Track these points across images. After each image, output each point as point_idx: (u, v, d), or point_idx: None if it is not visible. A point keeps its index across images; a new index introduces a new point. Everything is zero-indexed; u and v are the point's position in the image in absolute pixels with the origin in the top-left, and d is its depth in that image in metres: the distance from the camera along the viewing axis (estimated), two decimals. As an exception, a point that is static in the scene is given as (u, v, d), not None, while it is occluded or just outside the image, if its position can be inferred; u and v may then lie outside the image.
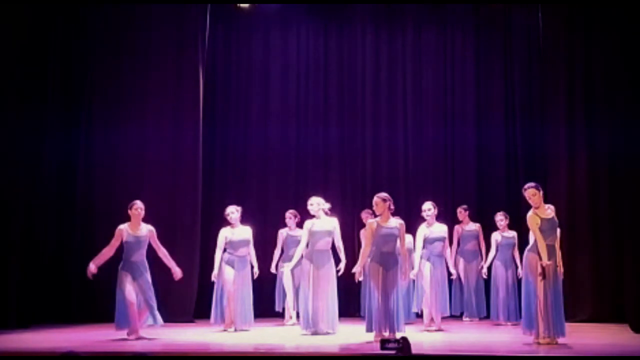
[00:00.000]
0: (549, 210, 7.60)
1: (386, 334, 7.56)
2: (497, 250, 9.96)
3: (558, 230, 7.68)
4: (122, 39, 10.74)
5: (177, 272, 8.48)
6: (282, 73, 11.98)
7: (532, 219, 7.48)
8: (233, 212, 9.22)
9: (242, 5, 11.70)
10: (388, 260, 7.79)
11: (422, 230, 9.13)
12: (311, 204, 8.76)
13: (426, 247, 9.08)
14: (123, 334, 8.11)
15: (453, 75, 11.96)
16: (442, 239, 9.18)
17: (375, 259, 7.80)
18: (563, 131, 10.53)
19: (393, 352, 6.18)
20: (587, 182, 10.34)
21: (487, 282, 10.23)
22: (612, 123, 10.14)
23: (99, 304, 9.91)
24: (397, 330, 7.67)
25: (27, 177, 9.74)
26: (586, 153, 10.38)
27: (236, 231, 9.19)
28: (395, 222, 7.94)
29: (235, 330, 8.95)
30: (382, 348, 6.28)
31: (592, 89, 10.45)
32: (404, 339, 6.28)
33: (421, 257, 9.05)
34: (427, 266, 9.00)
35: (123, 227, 8.25)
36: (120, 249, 8.25)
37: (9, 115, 9.55)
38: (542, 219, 7.45)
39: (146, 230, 8.28)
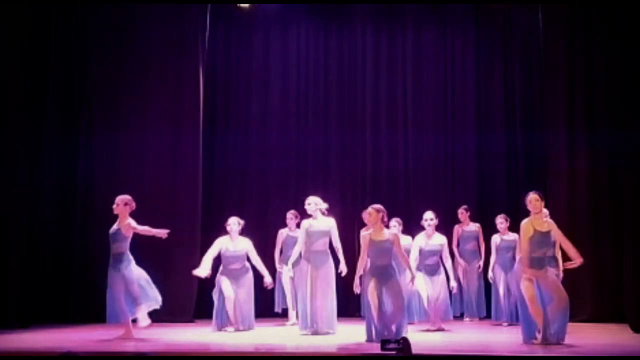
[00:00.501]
0: (546, 224, 7.52)
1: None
2: (497, 253, 9.93)
3: (557, 237, 7.63)
4: (122, 39, 10.74)
5: (162, 232, 8.41)
6: (282, 73, 11.99)
7: (525, 227, 7.40)
8: (235, 223, 9.21)
9: (242, 5, 11.70)
10: (382, 273, 7.68)
11: (419, 241, 9.07)
12: (309, 204, 8.72)
13: (420, 259, 9.03)
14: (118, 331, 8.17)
15: (453, 76, 11.96)
16: (437, 253, 9.11)
17: (370, 272, 7.73)
18: (563, 131, 10.53)
19: (393, 352, 6.18)
20: (588, 182, 10.34)
21: (487, 282, 10.21)
22: (612, 123, 10.13)
23: (99, 304, 9.89)
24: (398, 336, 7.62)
25: (27, 177, 9.74)
26: (586, 153, 10.38)
27: (231, 244, 9.19)
28: (389, 234, 7.83)
29: (236, 330, 8.95)
30: (383, 348, 6.29)
31: (592, 89, 10.44)
32: (404, 339, 6.29)
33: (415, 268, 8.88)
34: (419, 276, 8.86)
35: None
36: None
37: (9, 116, 9.56)
38: (535, 230, 7.37)
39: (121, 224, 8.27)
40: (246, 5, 11.71)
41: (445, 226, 10.21)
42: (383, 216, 7.81)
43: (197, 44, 10.80)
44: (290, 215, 9.95)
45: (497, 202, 11.15)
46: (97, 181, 10.50)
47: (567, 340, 7.37)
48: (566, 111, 10.54)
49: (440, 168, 11.82)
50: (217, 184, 11.64)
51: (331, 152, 11.88)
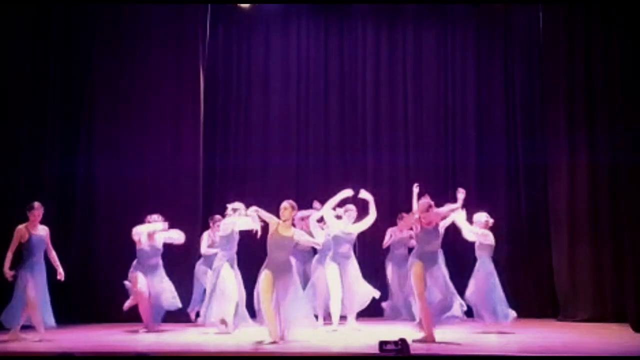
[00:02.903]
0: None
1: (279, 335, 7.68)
2: None
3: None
4: (123, 39, 10.74)
5: (61, 274, 8.51)
6: (282, 72, 11.99)
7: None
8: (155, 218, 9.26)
9: (242, 5, 11.70)
10: (280, 267, 7.86)
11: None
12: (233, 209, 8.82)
13: (334, 247, 9.07)
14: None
15: (453, 75, 11.95)
16: (350, 241, 9.14)
17: (269, 266, 7.84)
18: (563, 131, 10.53)
19: (392, 353, 6.19)
20: (588, 181, 10.34)
21: None
22: (612, 123, 10.13)
23: (99, 304, 9.93)
24: (286, 331, 7.75)
25: (27, 177, 9.76)
26: (587, 152, 10.37)
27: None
28: (294, 232, 8.06)
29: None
30: (381, 350, 6.29)
31: (592, 89, 10.44)
32: (403, 340, 6.30)
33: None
34: (332, 266, 9.02)
35: (21, 227, 8.33)
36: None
37: (10, 115, 9.57)
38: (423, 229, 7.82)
39: (43, 230, 8.39)
40: (246, 5, 11.71)
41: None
42: (295, 213, 8.16)
43: (197, 43, 10.79)
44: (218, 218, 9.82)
45: (497, 202, 11.12)
46: (97, 181, 10.49)
47: (568, 340, 7.36)
48: (566, 111, 10.53)
49: (440, 167, 11.81)
50: (217, 184, 11.63)
51: (331, 151, 11.88)
